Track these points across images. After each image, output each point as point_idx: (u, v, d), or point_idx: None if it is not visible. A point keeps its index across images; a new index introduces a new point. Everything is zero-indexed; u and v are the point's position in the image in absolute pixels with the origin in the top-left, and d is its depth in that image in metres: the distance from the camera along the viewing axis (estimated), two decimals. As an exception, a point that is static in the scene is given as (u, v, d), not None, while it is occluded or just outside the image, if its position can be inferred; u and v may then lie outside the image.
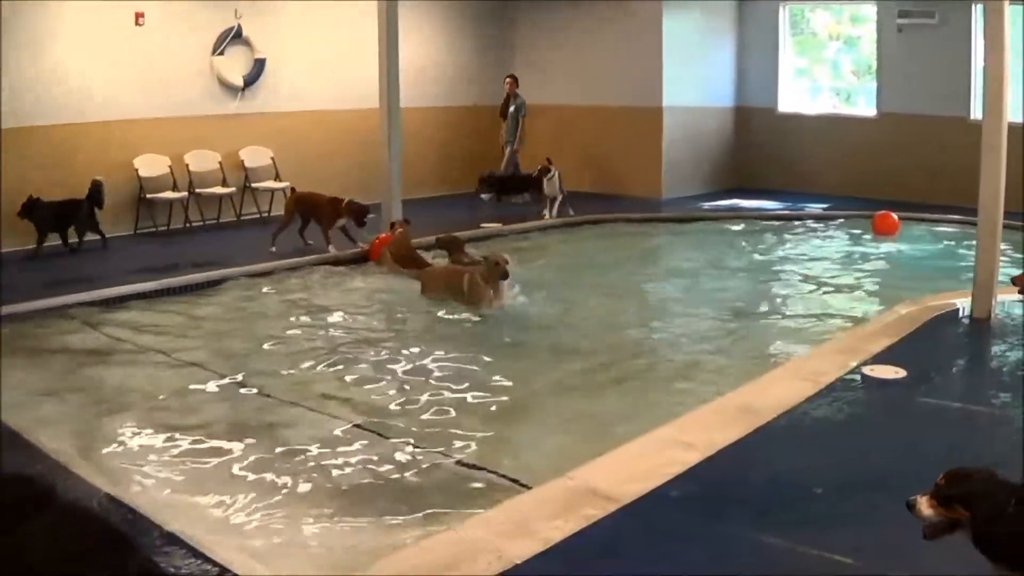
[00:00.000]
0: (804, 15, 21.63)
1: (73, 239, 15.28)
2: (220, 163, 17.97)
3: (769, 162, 21.68)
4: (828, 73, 21.65)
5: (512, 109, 20.62)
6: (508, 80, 20.90)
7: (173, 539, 5.68)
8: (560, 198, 18.34)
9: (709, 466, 6.48)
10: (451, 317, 11.73)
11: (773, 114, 21.72)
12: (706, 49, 21.47)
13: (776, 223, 18.09)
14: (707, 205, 19.89)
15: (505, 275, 11.77)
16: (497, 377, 9.40)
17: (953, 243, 15.68)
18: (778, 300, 12.72)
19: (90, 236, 15.41)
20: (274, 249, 14.78)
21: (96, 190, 15.32)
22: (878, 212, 16.58)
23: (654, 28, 20.44)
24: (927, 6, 19.17)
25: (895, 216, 16.33)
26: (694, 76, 21.16)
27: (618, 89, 21.18)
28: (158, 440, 7.79)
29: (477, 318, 11.62)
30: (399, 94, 16.12)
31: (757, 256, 15.63)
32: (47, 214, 14.78)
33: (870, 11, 20.28)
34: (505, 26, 23.08)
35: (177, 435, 7.90)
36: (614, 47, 21.12)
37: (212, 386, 9.24)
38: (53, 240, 14.99)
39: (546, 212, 18.36)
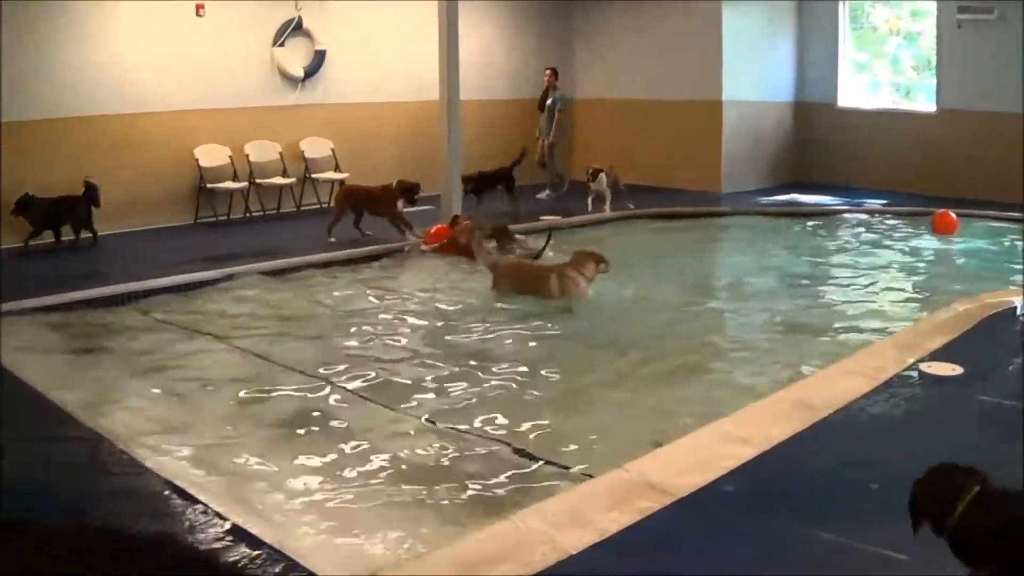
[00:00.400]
0: (864, 9, 21.47)
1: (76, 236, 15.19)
2: (280, 154, 18.11)
3: (828, 157, 21.51)
4: (888, 68, 21.48)
5: (549, 102, 20.54)
6: (548, 73, 20.77)
7: (237, 530, 5.79)
8: (608, 196, 18.13)
9: (765, 461, 6.49)
10: (512, 308, 11.76)
11: (833, 109, 21.55)
12: (766, 43, 21.35)
13: (835, 218, 17.96)
14: (766, 200, 19.81)
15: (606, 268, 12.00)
16: (556, 368, 9.47)
17: (1012, 240, 15.54)
18: (835, 295, 12.63)
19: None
20: (333, 240, 14.89)
21: (91, 190, 15.08)
22: (938, 211, 16.46)
23: (714, 21, 20.37)
24: (986, 2, 18.99)
25: (954, 215, 16.18)
26: (754, 70, 21.05)
27: (678, 83, 21.12)
28: (227, 429, 7.90)
29: (543, 310, 11.62)
30: (459, 86, 16.16)
31: (814, 251, 15.52)
32: (41, 211, 14.63)
33: (930, 6, 20.05)
34: (565, 18, 23.06)
35: (242, 424, 8.00)
36: (674, 41, 21.07)
37: (280, 377, 9.32)
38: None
39: (588, 203, 18.25)
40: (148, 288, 12.30)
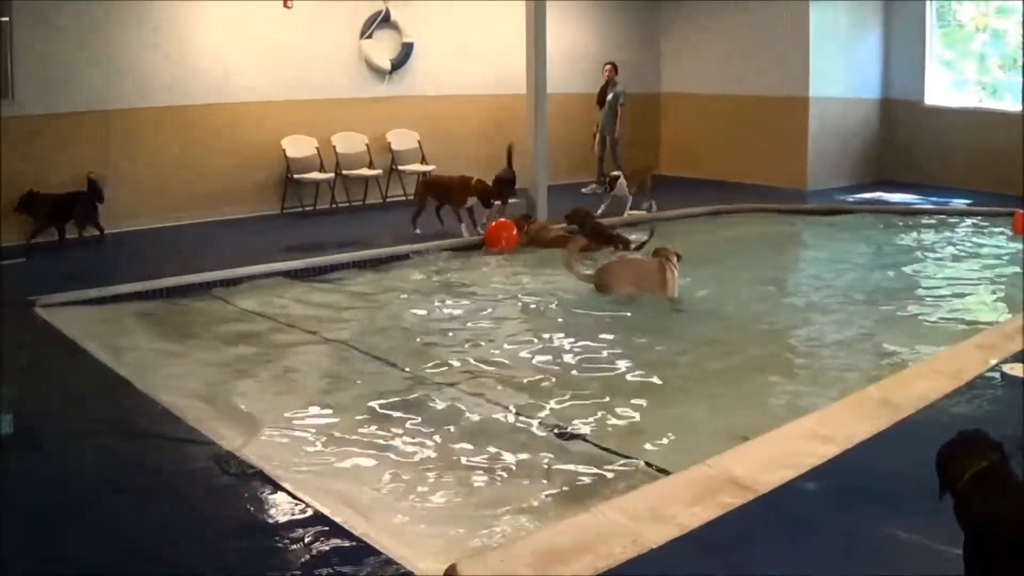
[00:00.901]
0: (951, 7, 21.26)
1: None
2: (367, 145, 18.27)
3: (914, 155, 21.29)
4: (974, 66, 21.25)
5: (610, 97, 20.41)
6: (608, 67, 20.66)
7: (322, 518, 5.92)
8: (629, 201, 17.40)
9: (846, 459, 6.47)
10: (594, 302, 11.78)
11: (919, 107, 21.35)
12: (853, 40, 21.18)
13: (919, 217, 17.81)
14: (851, 197, 19.68)
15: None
16: (641, 362, 9.50)
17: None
18: (918, 295, 12.54)
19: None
20: (418, 231, 15.00)
21: (94, 185, 14.89)
22: (1019, 211, 16.26)
23: (802, 18, 20.27)
24: (1073, 0, 18.78)
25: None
26: (841, 67, 20.90)
27: (764, 79, 21.05)
28: (313, 418, 8.02)
29: (626, 306, 11.64)
30: (546, 79, 16.21)
31: (898, 249, 15.41)
32: (46, 207, 14.44)
33: (1016, 3, 19.84)
34: (652, 12, 23.05)
35: (327, 414, 8.11)
36: (761, 37, 21.00)
37: (364, 366, 9.47)
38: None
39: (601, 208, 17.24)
40: (234, 277, 12.49)
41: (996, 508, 4.10)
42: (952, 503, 4.30)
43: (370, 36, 18.41)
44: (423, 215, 15.43)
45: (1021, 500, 4.14)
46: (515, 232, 14.73)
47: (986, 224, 16.93)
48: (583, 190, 20.09)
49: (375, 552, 5.44)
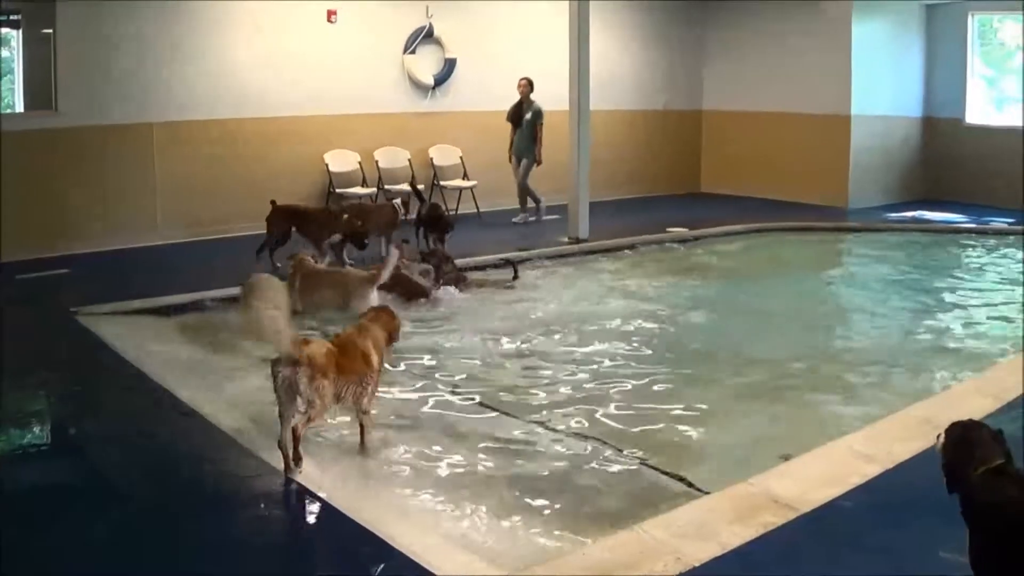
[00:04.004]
0: (991, 25, 21.21)
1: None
2: (409, 160, 18.35)
3: (956, 174, 21.22)
4: (1015, 84, 21.17)
5: (529, 117, 18.31)
6: (522, 82, 18.45)
7: (357, 527, 5.99)
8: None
9: (889, 478, 6.49)
10: (631, 322, 11.83)
11: (960, 125, 21.31)
12: (894, 58, 21.13)
13: (961, 236, 17.78)
14: (892, 216, 19.66)
15: None
16: (682, 382, 9.52)
17: None
18: (961, 314, 12.47)
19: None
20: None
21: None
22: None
23: (843, 36, 20.24)
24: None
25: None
26: (882, 86, 20.84)
27: (806, 96, 21.00)
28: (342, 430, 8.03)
29: (656, 323, 11.67)
30: (589, 96, 16.25)
31: (941, 268, 15.38)
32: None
33: (1056, 21, 19.79)
34: (695, 31, 23.08)
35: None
36: (803, 55, 20.95)
37: (400, 380, 9.49)
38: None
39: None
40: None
41: (1009, 502, 4.18)
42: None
43: (413, 51, 18.52)
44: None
45: None
46: None
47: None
48: (514, 219, 18.69)
49: (415, 565, 5.50)
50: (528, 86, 18.34)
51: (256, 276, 7.08)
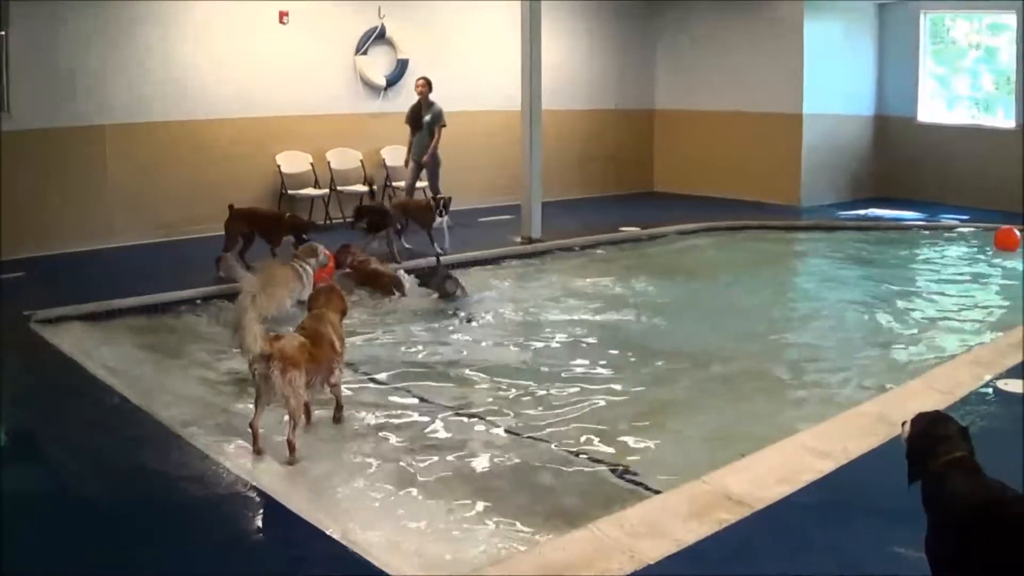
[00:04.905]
0: (943, 24, 21.34)
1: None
2: (361, 161, 18.25)
3: (908, 172, 21.40)
4: (967, 83, 21.32)
5: (428, 119, 17.33)
6: (420, 83, 17.51)
7: (314, 530, 5.94)
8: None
9: (843, 474, 6.51)
10: (582, 321, 11.84)
11: (912, 124, 21.45)
12: (847, 57, 21.24)
13: (912, 233, 17.92)
14: (844, 214, 19.75)
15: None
16: (637, 381, 9.53)
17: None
18: (911, 311, 12.56)
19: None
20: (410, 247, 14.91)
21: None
22: (1000, 227, 16.31)
23: (795, 35, 20.33)
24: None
25: (1018, 232, 15.97)
26: (835, 84, 20.92)
27: (758, 95, 21.10)
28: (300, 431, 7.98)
29: (609, 323, 11.67)
30: (541, 96, 16.24)
31: (892, 266, 15.50)
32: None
33: (1009, 19, 19.90)
34: (647, 30, 23.10)
35: (315, 427, 8.10)
36: (755, 54, 21.05)
37: (360, 384, 9.43)
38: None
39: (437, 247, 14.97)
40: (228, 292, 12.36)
41: (972, 492, 4.23)
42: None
43: (365, 52, 18.43)
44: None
45: (993, 487, 4.26)
46: (331, 264, 13.08)
47: (977, 240, 16.97)
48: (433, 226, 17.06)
49: (369, 566, 5.48)
50: (427, 86, 17.50)
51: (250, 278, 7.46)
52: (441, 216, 15.17)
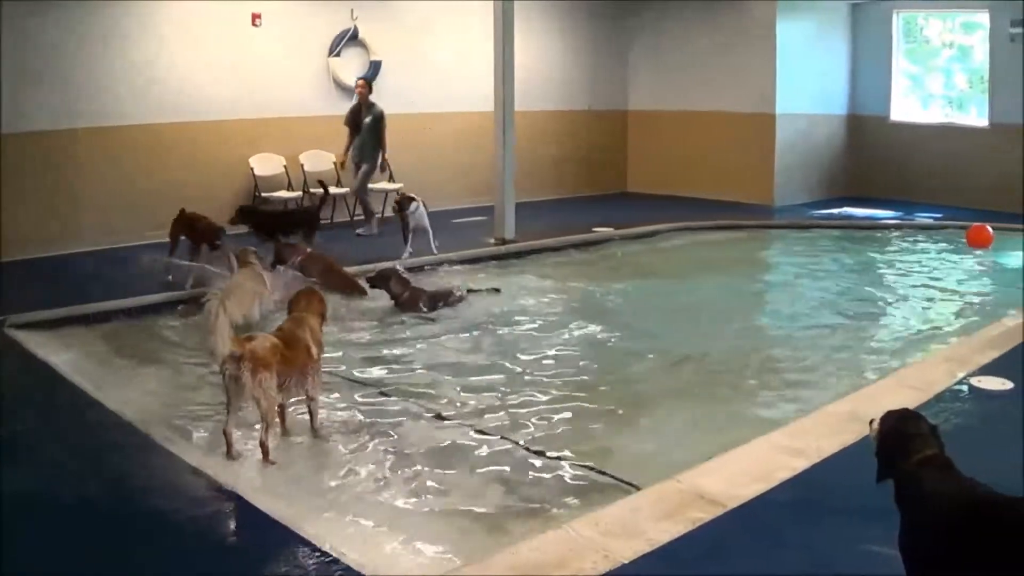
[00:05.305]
0: (917, 23, 21.43)
1: None
2: (335, 163, 18.19)
3: (881, 171, 21.51)
4: (940, 82, 21.41)
5: (369, 120, 17.39)
6: (359, 83, 17.70)
7: (288, 531, 5.94)
8: (430, 232, 15.17)
9: (817, 472, 6.53)
10: (556, 321, 11.83)
11: (885, 123, 21.55)
12: (819, 57, 21.33)
13: (886, 232, 18.00)
14: (818, 213, 19.81)
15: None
16: (611, 381, 9.54)
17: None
18: (885, 309, 12.64)
19: None
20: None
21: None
22: (972, 224, 16.38)
23: (768, 34, 20.39)
24: (1038, 16, 18.93)
25: (990, 229, 16.04)
26: (807, 83, 21.01)
27: (731, 96, 21.18)
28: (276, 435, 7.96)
29: (583, 323, 11.67)
30: (514, 96, 16.24)
31: (865, 264, 15.56)
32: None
33: (982, 18, 20.00)
34: (618, 31, 23.13)
35: (293, 430, 8.08)
36: (727, 54, 21.11)
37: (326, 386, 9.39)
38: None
39: (407, 250, 15.00)
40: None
41: (940, 491, 4.24)
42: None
43: (338, 54, 18.40)
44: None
45: (967, 485, 4.28)
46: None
47: (950, 238, 17.02)
48: (358, 231, 17.64)
49: (346, 569, 5.46)
50: (366, 87, 17.64)
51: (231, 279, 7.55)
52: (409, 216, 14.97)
